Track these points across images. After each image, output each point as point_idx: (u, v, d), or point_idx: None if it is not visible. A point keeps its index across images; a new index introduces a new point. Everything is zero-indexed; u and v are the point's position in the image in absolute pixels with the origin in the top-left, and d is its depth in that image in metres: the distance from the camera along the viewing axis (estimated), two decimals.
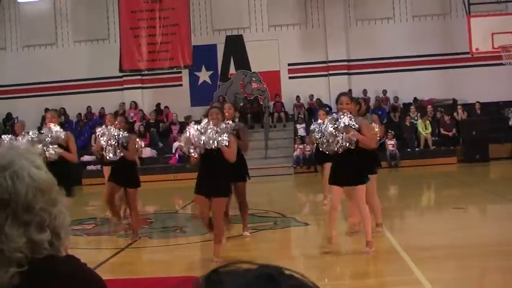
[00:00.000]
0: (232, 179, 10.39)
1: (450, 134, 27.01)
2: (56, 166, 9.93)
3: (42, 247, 1.98)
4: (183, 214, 13.87)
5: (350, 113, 9.48)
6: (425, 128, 26.84)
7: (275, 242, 11.34)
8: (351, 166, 9.33)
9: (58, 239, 2.03)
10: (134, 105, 29.66)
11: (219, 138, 9.21)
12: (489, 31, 24.79)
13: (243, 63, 30.42)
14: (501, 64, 25.36)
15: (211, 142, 9.17)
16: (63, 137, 10.60)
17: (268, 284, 1.19)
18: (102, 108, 29.32)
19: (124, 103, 29.71)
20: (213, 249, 9.57)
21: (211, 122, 9.40)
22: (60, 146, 10.49)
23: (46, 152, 10.26)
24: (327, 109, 16.61)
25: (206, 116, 11.11)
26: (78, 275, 2.05)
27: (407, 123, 27.12)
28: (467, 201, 14.84)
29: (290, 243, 11.65)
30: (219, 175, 9.53)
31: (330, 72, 29.83)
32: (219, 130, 9.29)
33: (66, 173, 10.26)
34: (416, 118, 27.25)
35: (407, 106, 28.69)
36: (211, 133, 9.22)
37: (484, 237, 10.37)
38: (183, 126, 27.60)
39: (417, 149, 26.79)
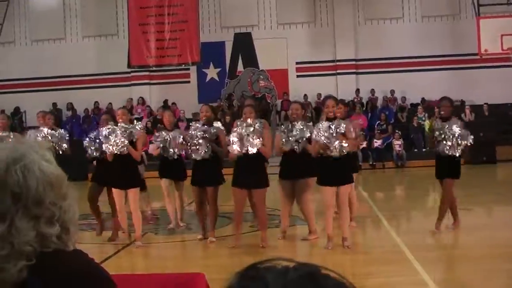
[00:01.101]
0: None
1: None
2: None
3: (51, 240, 1.98)
4: (189, 210, 13.86)
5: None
6: None
7: (280, 240, 11.33)
8: (341, 167, 9.92)
9: (67, 233, 2.03)
10: (142, 101, 29.69)
11: (256, 142, 10.02)
12: (498, 33, 24.74)
13: (251, 60, 30.44)
14: (510, 65, 25.30)
15: (251, 147, 10.02)
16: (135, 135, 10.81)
17: (311, 284, 1.18)
18: (110, 103, 29.33)
19: (131, 99, 29.74)
20: (261, 236, 10.56)
21: (248, 121, 10.16)
22: (130, 142, 10.71)
23: (113, 145, 10.53)
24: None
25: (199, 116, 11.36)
26: (85, 270, 2.05)
27: (415, 124, 27.08)
28: (473, 202, 14.80)
29: (295, 241, 11.63)
30: (258, 169, 10.35)
31: (338, 71, 29.83)
32: (255, 137, 10.04)
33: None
34: (423, 118, 27.21)
35: (414, 106, 28.66)
36: (249, 139, 10.03)
37: (491, 239, 10.34)
38: (190, 123, 27.66)
39: (424, 149, 26.72)
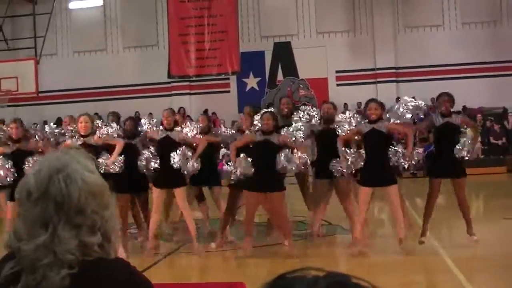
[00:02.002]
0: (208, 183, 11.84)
1: (500, 143, 26.62)
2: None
3: (93, 249, 2.00)
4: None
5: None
6: None
7: (321, 249, 11.29)
8: (381, 167, 10.17)
9: (108, 242, 2.05)
10: (183, 111, 29.82)
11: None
12: None
13: (291, 69, 30.43)
14: None
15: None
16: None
17: None
18: (150, 113, 29.55)
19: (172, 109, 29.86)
20: (288, 243, 10.41)
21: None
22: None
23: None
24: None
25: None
26: (127, 278, 2.07)
27: None
28: None
29: (335, 250, 11.58)
30: (275, 171, 10.15)
31: (378, 79, 29.66)
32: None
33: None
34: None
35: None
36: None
37: None
38: None
39: (466, 157, 26.42)
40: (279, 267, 9.67)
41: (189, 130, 10.95)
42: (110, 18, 31.46)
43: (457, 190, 10.62)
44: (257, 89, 30.62)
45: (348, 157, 10.07)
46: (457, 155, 10.36)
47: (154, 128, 11.23)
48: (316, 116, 11.10)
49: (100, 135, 10.78)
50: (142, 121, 11.49)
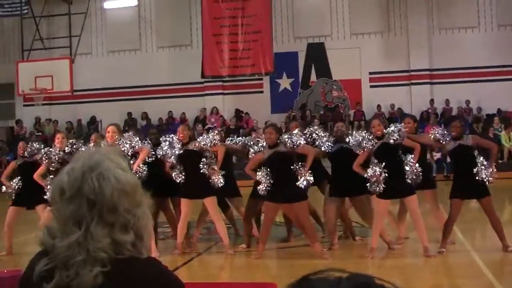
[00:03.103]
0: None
1: None
2: None
3: (125, 248, 2.02)
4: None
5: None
6: (509, 140, 26.21)
7: (352, 251, 11.26)
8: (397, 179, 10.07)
9: (141, 240, 2.07)
10: (216, 110, 29.93)
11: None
12: None
13: (324, 70, 30.37)
14: None
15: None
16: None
17: None
18: (183, 113, 29.70)
19: (205, 109, 30.03)
20: (316, 250, 10.42)
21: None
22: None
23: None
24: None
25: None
26: (159, 277, 2.08)
27: (491, 135, 26.48)
28: None
29: (366, 253, 11.52)
30: (294, 180, 10.18)
31: (412, 81, 29.48)
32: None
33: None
34: (499, 129, 26.63)
35: (490, 117, 28.07)
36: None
37: None
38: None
39: (500, 161, 26.15)
40: (308, 267, 9.64)
41: (206, 142, 10.91)
42: (144, 18, 31.68)
43: (485, 210, 10.53)
44: (290, 90, 30.62)
45: (378, 173, 9.98)
46: (477, 177, 10.20)
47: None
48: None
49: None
50: (162, 144, 11.16)
